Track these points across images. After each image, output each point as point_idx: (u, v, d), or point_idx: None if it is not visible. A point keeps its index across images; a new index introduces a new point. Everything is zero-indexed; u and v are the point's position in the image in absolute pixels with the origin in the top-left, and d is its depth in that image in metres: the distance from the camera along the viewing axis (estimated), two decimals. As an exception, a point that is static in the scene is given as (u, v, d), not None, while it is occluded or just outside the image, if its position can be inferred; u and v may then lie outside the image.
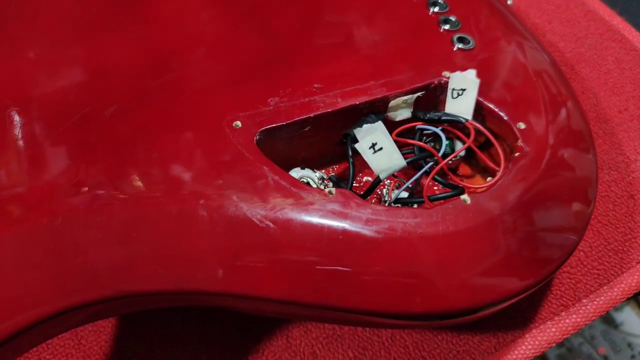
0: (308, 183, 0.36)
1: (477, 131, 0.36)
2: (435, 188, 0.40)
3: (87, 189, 0.31)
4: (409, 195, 0.36)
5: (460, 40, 0.41)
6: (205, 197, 0.31)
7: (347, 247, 0.30)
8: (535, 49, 0.43)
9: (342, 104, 0.36)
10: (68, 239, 0.29)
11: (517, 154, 0.35)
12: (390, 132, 0.35)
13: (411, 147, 0.37)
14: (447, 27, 0.42)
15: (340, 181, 0.37)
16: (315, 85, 0.37)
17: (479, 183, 0.40)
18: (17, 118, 0.34)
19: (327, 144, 0.38)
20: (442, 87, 0.38)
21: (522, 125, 0.36)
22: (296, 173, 0.37)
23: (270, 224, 0.30)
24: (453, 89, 0.37)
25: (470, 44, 0.41)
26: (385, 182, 0.39)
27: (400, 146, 0.35)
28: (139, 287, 0.29)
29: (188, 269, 0.29)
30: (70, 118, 0.34)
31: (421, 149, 0.36)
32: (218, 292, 0.29)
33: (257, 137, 0.33)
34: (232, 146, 0.33)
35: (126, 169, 0.32)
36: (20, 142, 0.33)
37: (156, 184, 0.31)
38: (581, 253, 0.41)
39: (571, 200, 0.35)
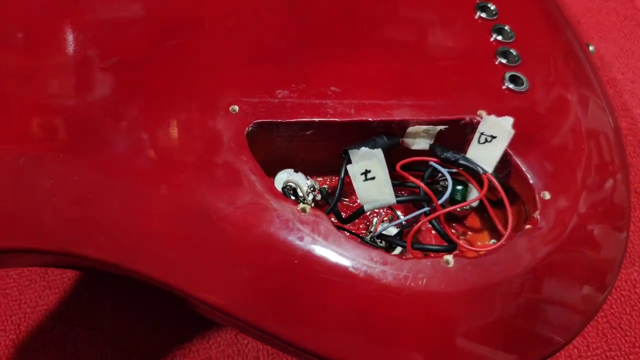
0: (295, 190, 0.33)
1: (490, 186, 0.32)
2: (433, 232, 0.36)
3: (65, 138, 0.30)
4: (396, 234, 0.33)
5: (513, 79, 0.36)
6: (174, 176, 0.29)
7: (298, 273, 0.27)
8: (602, 108, 0.38)
9: (354, 116, 0.33)
10: (30, 182, 0.28)
11: (528, 227, 0.31)
12: (399, 160, 0.32)
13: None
14: (504, 60, 0.37)
15: (330, 196, 0.34)
16: (332, 89, 0.33)
17: (484, 241, 0.36)
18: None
19: (330, 153, 0.35)
20: (473, 127, 0.34)
21: (546, 195, 0.32)
22: (286, 174, 0.34)
23: (229, 225, 0.28)
24: (482, 133, 0.32)
25: (524, 86, 0.36)
26: (381, 211, 0.36)
27: (402, 179, 0.32)
28: (82, 250, 0.28)
29: (133, 247, 0.28)
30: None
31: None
32: (156, 278, 0.28)
33: (250, 128, 0.31)
34: (219, 131, 0.30)
35: (107, 124, 0.30)
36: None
37: (132, 148, 0.30)
38: (575, 350, 0.36)
39: (583, 283, 0.31)
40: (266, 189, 0.29)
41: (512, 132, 0.32)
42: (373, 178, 0.29)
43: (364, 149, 0.29)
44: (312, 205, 0.33)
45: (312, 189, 0.34)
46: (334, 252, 0.28)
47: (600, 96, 0.38)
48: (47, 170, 0.29)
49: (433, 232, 0.36)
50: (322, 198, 0.34)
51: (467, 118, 0.34)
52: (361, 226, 0.35)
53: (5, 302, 0.40)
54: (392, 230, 0.33)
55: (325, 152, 0.35)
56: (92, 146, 0.29)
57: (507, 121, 0.32)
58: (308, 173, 0.36)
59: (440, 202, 0.31)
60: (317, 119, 0.32)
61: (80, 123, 0.30)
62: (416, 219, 0.34)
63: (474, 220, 0.37)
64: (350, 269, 0.27)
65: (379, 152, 0.29)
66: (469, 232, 0.36)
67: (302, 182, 0.34)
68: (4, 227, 0.28)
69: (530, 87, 0.36)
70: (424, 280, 0.28)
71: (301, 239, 0.28)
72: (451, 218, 0.36)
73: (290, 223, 0.28)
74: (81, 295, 0.40)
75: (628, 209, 0.35)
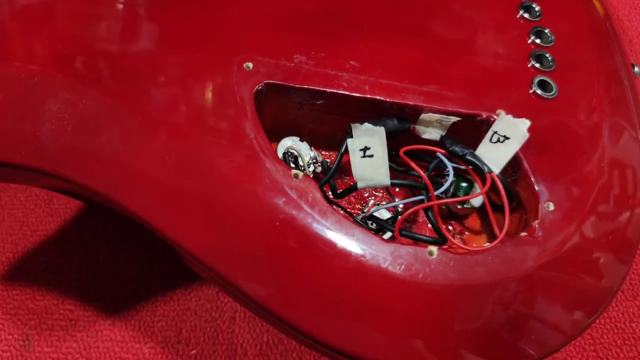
0: (296, 158, 0.33)
1: (495, 188, 0.31)
2: (429, 226, 0.35)
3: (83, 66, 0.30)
4: (388, 219, 0.32)
5: (542, 84, 0.35)
6: (175, 120, 0.29)
7: (277, 236, 0.27)
8: (635, 139, 0.36)
9: (367, 93, 0.32)
10: (38, 102, 0.29)
11: (523, 234, 0.30)
12: (404, 145, 0.31)
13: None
14: (537, 64, 0.35)
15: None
16: (351, 62, 0.33)
17: (480, 243, 0.35)
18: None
19: (339, 128, 0.34)
20: (489, 125, 0.32)
21: (550, 207, 0.30)
22: (291, 141, 0.34)
23: (218, 177, 0.28)
24: (495, 132, 0.31)
25: (552, 93, 0.34)
26: (378, 193, 0.35)
27: (407, 166, 0.31)
28: (75, 176, 0.28)
29: (122, 181, 0.28)
30: None
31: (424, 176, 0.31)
32: (137, 215, 0.28)
33: (260, 87, 0.31)
34: (229, 84, 0.30)
35: (122, 62, 0.30)
36: None
37: (140, 87, 0.30)
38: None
39: (572, 305, 0.30)
40: (262, 149, 0.29)
41: (527, 135, 0.31)
42: (371, 156, 0.28)
43: (367, 124, 0.29)
44: (311, 176, 0.33)
45: (314, 160, 0.34)
46: (317, 222, 0.27)
47: (637, 128, 0.36)
48: (57, 94, 0.29)
49: (429, 225, 0.35)
50: (322, 171, 0.33)
51: (484, 115, 0.33)
52: (357, 206, 0.35)
53: (8, 221, 0.42)
54: (385, 214, 0.33)
55: (334, 126, 0.34)
56: (103, 79, 0.30)
57: (524, 124, 0.31)
58: (314, 145, 0.35)
59: (437, 193, 0.30)
60: (328, 90, 0.31)
61: (97, 57, 0.31)
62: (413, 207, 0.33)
63: (474, 222, 0.35)
64: (330, 242, 0.27)
65: (381, 131, 0.29)
66: (467, 232, 0.35)
67: (305, 152, 0.33)
68: (5, 141, 0.28)
69: (559, 96, 0.34)
70: (402, 266, 0.27)
71: (287, 203, 0.27)
72: (452, 216, 0.35)
73: (279, 185, 0.28)
74: (81, 226, 0.41)
75: (637, 243, 0.33)
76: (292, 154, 0.33)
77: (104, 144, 0.28)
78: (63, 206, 0.42)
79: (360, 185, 0.29)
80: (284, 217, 0.27)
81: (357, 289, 0.27)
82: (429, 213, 0.31)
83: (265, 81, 0.31)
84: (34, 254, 0.41)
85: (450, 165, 0.30)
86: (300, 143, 0.34)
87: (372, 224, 0.32)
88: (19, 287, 0.39)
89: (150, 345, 0.37)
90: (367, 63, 0.33)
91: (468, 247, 0.29)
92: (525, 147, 0.32)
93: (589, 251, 0.31)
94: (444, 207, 0.35)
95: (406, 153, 0.31)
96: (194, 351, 0.36)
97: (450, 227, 0.35)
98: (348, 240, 0.27)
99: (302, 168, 0.33)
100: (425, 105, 0.32)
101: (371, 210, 0.32)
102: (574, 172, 0.32)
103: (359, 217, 0.32)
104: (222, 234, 0.27)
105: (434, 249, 0.28)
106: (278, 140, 0.34)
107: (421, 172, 0.29)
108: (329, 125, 0.34)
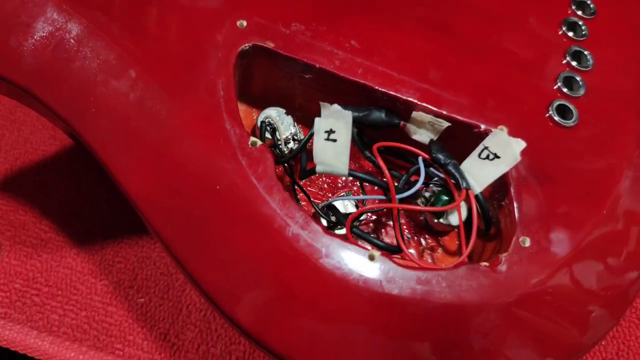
0: (274, 130, 0.31)
1: (469, 208, 0.28)
2: (407, 232, 0.32)
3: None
4: (348, 213, 0.30)
5: (562, 110, 0.31)
6: (149, 63, 0.28)
7: (215, 199, 0.26)
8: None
9: (358, 76, 0.30)
10: (27, 20, 0.29)
11: (483, 264, 0.27)
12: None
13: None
14: (564, 88, 0.32)
15: (306, 151, 0.32)
16: (352, 42, 0.31)
17: (444, 263, 0.32)
18: None
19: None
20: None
21: (526, 242, 0.27)
22: (275, 112, 0.32)
23: (173, 126, 0.27)
24: (486, 148, 0.28)
25: (571, 121, 0.31)
26: (353, 186, 0.33)
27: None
28: (43, 96, 0.28)
29: (84, 111, 0.28)
30: None
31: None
32: (96, 152, 0.28)
33: (246, 47, 0.29)
34: (216, 38, 0.29)
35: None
36: None
37: (127, 22, 0.29)
38: None
39: (539, 355, 0.27)
40: (228, 109, 0.27)
41: (518, 158, 0.27)
42: (334, 140, 0.26)
43: (336, 105, 0.27)
44: (286, 152, 0.31)
45: (294, 136, 0.32)
46: (258, 196, 0.26)
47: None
48: (47, 14, 0.29)
49: (407, 230, 0.32)
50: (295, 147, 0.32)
51: (483, 127, 0.30)
52: (329, 194, 0.33)
53: (16, 136, 0.43)
54: (352, 209, 0.31)
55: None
56: (93, 7, 0.29)
57: (519, 145, 0.27)
58: (303, 122, 0.33)
59: (401, 196, 0.27)
60: (317, 65, 0.30)
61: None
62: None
63: (451, 241, 0.32)
64: (266, 219, 0.25)
65: (348, 115, 0.26)
66: (440, 250, 0.32)
67: (286, 126, 0.32)
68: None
69: (578, 126, 0.31)
70: (332, 261, 0.25)
71: (234, 169, 0.26)
72: (430, 230, 0.33)
73: (231, 149, 0.26)
74: (77, 155, 0.42)
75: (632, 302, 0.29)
76: (270, 124, 0.31)
77: (77, 70, 0.28)
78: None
79: (318, 169, 0.27)
80: (226, 183, 0.26)
81: (280, 273, 0.25)
82: (393, 216, 0.29)
83: (254, 42, 0.29)
84: (29, 171, 0.42)
85: (423, 170, 0.28)
86: (285, 116, 0.32)
87: (332, 215, 0.30)
88: (7, 198, 0.41)
89: (104, 282, 0.37)
90: (369, 46, 0.31)
91: (420, 263, 0.27)
92: (520, 173, 0.28)
93: (590, 306, 0.28)
94: (421, 218, 0.32)
95: (383, 148, 0.29)
96: (142, 299, 0.36)
97: (423, 241, 0.32)
98: (286, 222, 0.25)
99: (279, 142, 0.31)
100: (418, 102, 0.30)
101: (330, 199, 0.30)
102: (567, 212, 0.28)
103: (320, 205, 0.30)
104: (162, 184, 0.27)
105: (376, 253, 0.25)
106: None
107: (386, 172, 0.27)
108: (318, 103, 0.33)
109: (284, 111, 0.33)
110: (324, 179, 0.33)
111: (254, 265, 0.25)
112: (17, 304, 0.36)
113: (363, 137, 0.32)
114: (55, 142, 0.43)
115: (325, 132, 0.27)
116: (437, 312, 0.25)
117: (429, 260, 0.31)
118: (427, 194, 0.31)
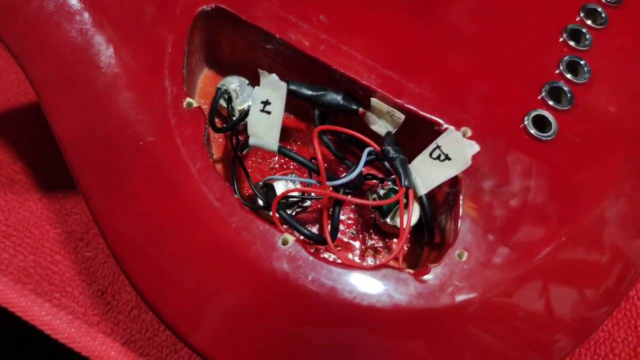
0: (230, 98, 0.30)
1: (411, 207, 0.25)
2: (354, 228, 0.30)
3: None
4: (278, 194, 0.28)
5: (539, 121, 0.28)
6: (106, 10, 0.28)
7: (137, 155, 0.25)
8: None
9: (319, 54, 0.28)
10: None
11: (407, 271, 0.24)
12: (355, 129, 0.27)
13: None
14: (548, 98, 0.29)
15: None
16: (320, 17, 0.29)
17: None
18: None
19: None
20: (446, 140, 0.27)
21: (463, 256, 0.24)
22: (236, 80, 0.31)
23: (110, 76, 0.26)
24: (438, 147, 0.26)
25: (547, 135, 0.28)
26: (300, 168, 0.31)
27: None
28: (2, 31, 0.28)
29: (34, 50, 0.27)
30: None
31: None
32: (36, 90, 0.27)
33: (207, 8, 0.28)
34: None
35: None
36: None
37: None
38: None
39: None
40: (170, 67, 0.26)
41: (469, 162, 0.25)
42: (269, 112, 0.25)
43: (274, 75, 0.25)
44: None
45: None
46: (179, 159, 0.24)
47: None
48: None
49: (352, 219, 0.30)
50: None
51: (444, 126, 0.27)
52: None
53: (13, 78, 0.44)
54: (279, 186, 0.28)
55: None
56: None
57: (472, 148, 0.25)
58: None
59: (333, 183, 0.25)
60: (277, 35, 0.28)
61: None
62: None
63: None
64: (182, 182, 0.24)
65: (283, 87, 0.25)
66: (385, 252, 0.30)
67: (244, 97, 0.30)
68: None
69: (554, 142, 0.28)
70: (244, 238, 0.23)
71: (161, 126, 0.25)
72: (378, 230, 0.30)
73: (163, 106, 0.25)
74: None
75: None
76: (226, 92, 0.30)
77: (35, 9, 0.28)
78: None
79: (251, 141, 0.25)
80: (150, 141, 0.25)
81: (182, 236, 0.24)
82: (337, 207, 0.27)
83: (215, 4, 0.28)
84: (16, 113, 0.43)
85: (364, 159, 0.25)
86: (247, 87, 0.31)
87: (265, 192, 0.28)
88: (-12, 136, 0.41)
89: (57, 231, 0.37)
90: (338, 23, 0.29)
91: (344, 259, 0.25)
92: (475, 181, 0.26)
93: (505, 324, 0.25)
94: (372, 216, 0.30)
95: (327, 132, 0.27)
96: (89, 253, 0.36)
97: (369, 240, 0.30)
98: (201, 190, 0.24)
99: (232, 110, 0.30)
100: (377, 89, 0.27)
101: (266, 178, 0.28)
102: (519, 232, 0.25)
103: (260, 182, 0.29)
104: (89, 130, 0.26)
105: (290, 238, 0.24)
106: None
107: (319, 154, 0.25)
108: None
109: (247, 82, 0.31)
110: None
111: (158, 224, 0.24)
112: (-27, 237, 0.37)
113: (325, 120, 0.30)
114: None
115: (262, 102, 0.25)
116: (342, 310, 0.23)
117: (369, 261, 0.29)
118: (382, 191, 0.29)
